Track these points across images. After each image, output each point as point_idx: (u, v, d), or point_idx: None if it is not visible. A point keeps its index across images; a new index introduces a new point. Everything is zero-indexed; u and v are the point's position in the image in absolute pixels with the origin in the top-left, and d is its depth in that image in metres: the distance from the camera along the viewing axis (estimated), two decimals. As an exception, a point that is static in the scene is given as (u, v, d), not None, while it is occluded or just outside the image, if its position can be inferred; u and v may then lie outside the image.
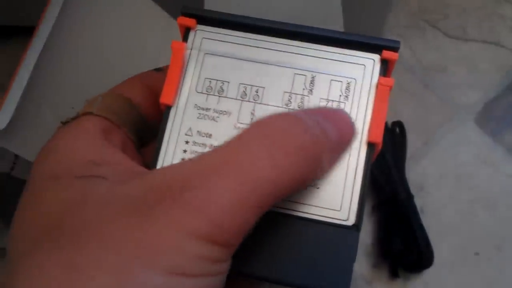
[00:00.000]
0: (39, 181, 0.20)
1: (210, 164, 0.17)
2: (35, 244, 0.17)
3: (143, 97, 0.24)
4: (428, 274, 0.44)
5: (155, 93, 0.23)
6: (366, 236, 0.46)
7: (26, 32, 0.34)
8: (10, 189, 0.30)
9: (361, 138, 0.21)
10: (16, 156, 0.33)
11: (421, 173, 0.48)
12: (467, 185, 0.47)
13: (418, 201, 0.45)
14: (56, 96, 0.31)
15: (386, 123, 0.47)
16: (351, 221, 0.21)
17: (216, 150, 0.18)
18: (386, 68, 0.22)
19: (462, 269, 0.45)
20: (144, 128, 0.24)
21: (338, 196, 0.21)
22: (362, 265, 0.45)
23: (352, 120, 0.21)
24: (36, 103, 0.30)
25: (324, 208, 0.21)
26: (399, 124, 0.48)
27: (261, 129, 0.18)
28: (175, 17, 0.32)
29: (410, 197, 0.44)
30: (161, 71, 0.25)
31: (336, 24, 0.32)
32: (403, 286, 0.44)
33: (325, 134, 0.19)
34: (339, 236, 0.20)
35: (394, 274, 0.44)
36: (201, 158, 0.18)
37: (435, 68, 0.52)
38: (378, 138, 0.21)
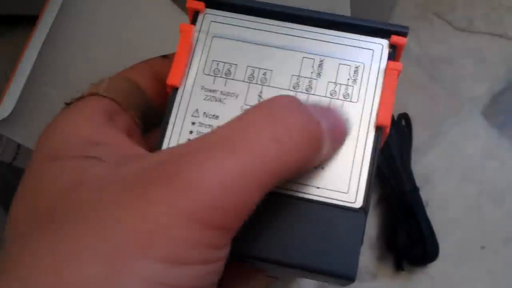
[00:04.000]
0: (37, 162, 0.19)
1: (210, 142, 0.17)
2: (29, 229, 0.17)
3: (150, 83, 0.24)
4: (433, 267, 0.44)
5: (161, 80, 0.23)
6: (371, 229, 0.46)
7: (30, 21, 0.34)
8: (12, 179, 0.30)
9: (369, 121, 0.21)
10: (19, 146, 0.33)
11: (427, 166, 0.47)
12: (473, 178, 0.47)
13: (423, 194, 0.45)
14: (60, 85, 0.30)
15: (392, 115, 0.47)
16: (358, 203, 0.20)
17: (218, 128, 0.17)
18: (394, 53, 0.22)
19: (467, 262, 0.45)
20: (150, 113, 0.24)
21: (346, 178, 0.21)
22: (366, 258, 0.45)
23: (346, 120, 0.21)
24: (39, 92, 0.30)
25: (332, 190, 0.21)
26: (405, 117, 0.47)
27: (264, 108, 0.18)
28: (179, 5, 0.32)
29: (415, 190, 0.44)
30: (168, 58, 0.24)
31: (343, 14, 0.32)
32: (408, 279, 0.44)
33: (324, 119, 0.19)
34: (346, 218, 0.20)
35: (399, 267, 0.44)
36: (201, 136, 0.17)
37: (442, 60, 0.51)
38: (387, 121, 0.21)
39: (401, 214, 0.43)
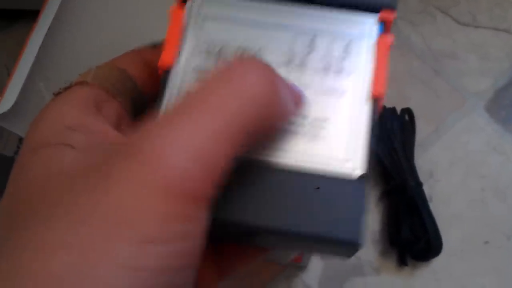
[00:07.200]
0: (22, 154, 0.19)
1: (170, 113, 0.16)
2: (11, 222, 0.17)
3: (139, 70, 0.24)
4: (437, 262, 0.44)
5: (151, 67, 0.23)
6: (374, 224, 0.45)
7: (31, 15, 0.34)
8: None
9: (364, 93, 0.22)
10: (21, 139, 0.33)
11: (431, 161, 0.47)
12: (477, 173, 0.47)
13: (427, 189, 0.45)
14: (61, 78, 0.30)
15: (395, 110, 0.47)
16: (359, 171, 0.21)
17: (178, 99, 0.17)
18: (384, 26, 0.23)
19: (471, 257, 0.44)
20: (140, 101, 0.24)
21: (345, 148, 0.21)
22: (370, 253, 0.45)
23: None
24: (41, 86, 0.29)
25: (332, 159, 0.21)
26: (408, 111, 0.47)
27: (220, 69, 0.18)
28: None
29: (419, 184, 0.44)
30: (157, 47, 0.24)
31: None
32: (411, 274, 0.44)
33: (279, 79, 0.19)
34: (348, 187, 0.20)
35: (402, 262, 0.44)
36: (167, 109, 0.17)
37: (446, 54, 0.51)
38: (381, 92, 0.22)
39: (404, 209, 0.43)
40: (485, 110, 0.49)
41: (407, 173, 0.44)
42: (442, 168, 0.47)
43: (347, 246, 0.20)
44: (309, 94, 0.21)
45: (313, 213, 0.20)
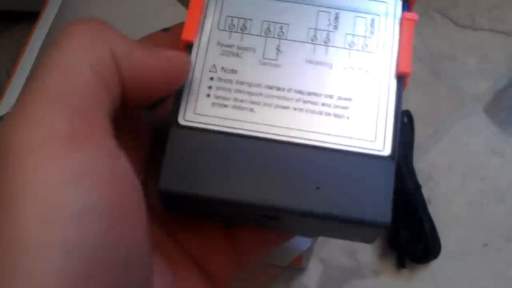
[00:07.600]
0: None
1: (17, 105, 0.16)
2: None
3: None
4: (435, 264, 0.44)
5: None
6: (373, 226, 0.45)
7: (31, 17, 0.34)
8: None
9: (390, 70, 0.21)
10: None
11: (430, 163, 0.47)
12: (476, 175, 0.47)
13: (426, 191, 0.45)
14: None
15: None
16: (387, 151, 0.20)
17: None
18: (408, 4, 0.23)
19: (470, 260, 0.44)
20: None
21: (372, 127, 0.21)
22: (368, 255, 0.45)
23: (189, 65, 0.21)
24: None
25: (359, 139, 0.20)
26: (407, 113, 0.47)
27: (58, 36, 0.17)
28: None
29: (417, 187, 0.44)
30: (168, 31, 0.24)
31: None
32: (410, 276, 0.44)
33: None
34: (376, 166, 0.20)
35: (401, 265, 0.44)
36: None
37: (445, 56, 0.51)
38: (408, 69, 0.21)
39: (403, 212, 0.43)
40: (484, 112, 0.49)
41: (406, 175, 0.44)
42: (441, 171, 0.47)
43: (375, 228, 0.20)
44: (335, 72, 0.21)
45: (341, 194, 0.20)
